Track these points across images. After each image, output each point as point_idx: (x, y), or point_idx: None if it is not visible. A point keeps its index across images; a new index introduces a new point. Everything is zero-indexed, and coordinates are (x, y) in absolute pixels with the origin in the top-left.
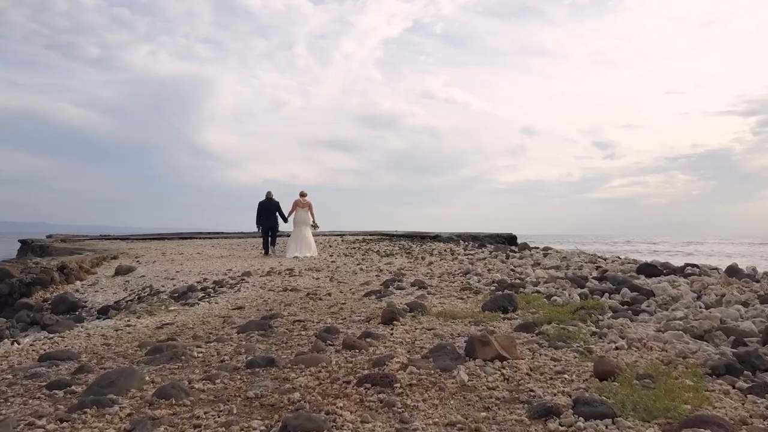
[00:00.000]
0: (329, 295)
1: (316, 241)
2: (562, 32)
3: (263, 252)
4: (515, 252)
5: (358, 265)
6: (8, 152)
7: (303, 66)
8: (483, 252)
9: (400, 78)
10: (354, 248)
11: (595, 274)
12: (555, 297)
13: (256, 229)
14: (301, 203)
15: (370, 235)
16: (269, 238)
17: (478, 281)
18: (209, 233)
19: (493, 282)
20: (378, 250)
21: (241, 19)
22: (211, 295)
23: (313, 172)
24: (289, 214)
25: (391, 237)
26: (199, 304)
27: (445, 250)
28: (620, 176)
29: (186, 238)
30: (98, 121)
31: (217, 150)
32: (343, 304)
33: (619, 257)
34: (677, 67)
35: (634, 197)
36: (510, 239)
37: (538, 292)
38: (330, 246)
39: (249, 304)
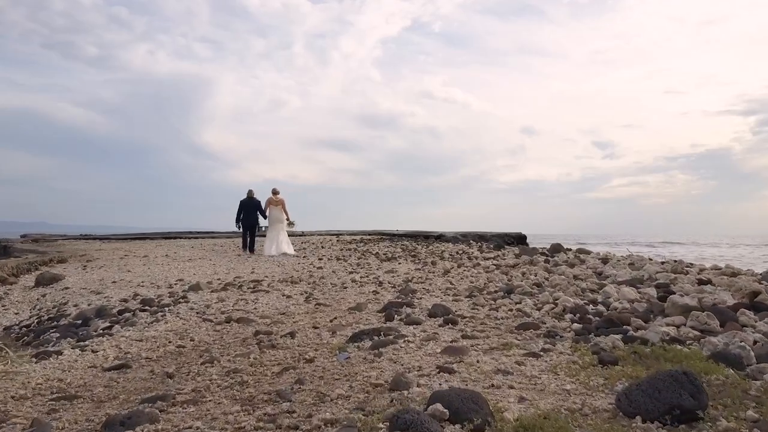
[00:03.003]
0: (292, 336)
1: (309, 242)
2: (561, 32)
3: (243, 251)
4: (548, 255)
5: (350, 273)
6: (8, 152)
7: (302, 65)
8: (506, 255)
9: (399, 78)
10: (349, 250)
11: (727, 298)
12: (760, 373)
13: (236, 228)
14: (274, 201)
15: (369, 234)
16: (249, 237)
17: (537, 307)
18: (198, 233)
19: (564, 310)
20: (377, 253)
21: (240, 18)
22: (114, 326)
23: (313, 172)
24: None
25: (392, 237)
26: (63, 353)
27: (457, 253)
28: (620, 176)
29: (171, 238)
30: (98, 120)
31: (217, 150)
32: (309, 361)
33: (683, 262)
34: (677, 67)
35: (634, 197)
36: (519, 239)
37: (675, 340)
38: (322, 247)
39: (149, 353)
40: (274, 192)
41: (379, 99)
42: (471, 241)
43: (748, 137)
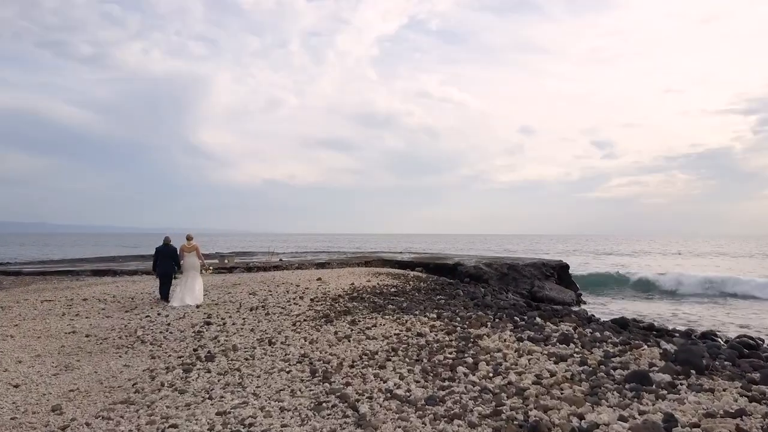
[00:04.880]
0: None
1: (269, 288)
2: (559, 28)
3: (160, 299)
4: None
5: None
6: (6, 152)
7: (298, 64)
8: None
9: (396, 76)
10: (318, 326)
11: None
12: None
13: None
14: (187, 248)
15: (367, 263)
16: (164, 286)
17: None
18: (143, 257)
19: None
20: (367, 329)
21: (234, 16)
22: None
23: (311, 172)
24: (181, 260)
25: (397, 266)
26: None
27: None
28: (619, 176)
29: (102, 273)
30: (94, 120)
31: (214, 149)
32: None
33: None
34: (677, 65)
35: (634, 197)
36: (561, 269)
37: None
38: (269, 317)
39: None
40: (188, 238)
41: (377, 98)
42: (501, 294)
43: (749, 136)
